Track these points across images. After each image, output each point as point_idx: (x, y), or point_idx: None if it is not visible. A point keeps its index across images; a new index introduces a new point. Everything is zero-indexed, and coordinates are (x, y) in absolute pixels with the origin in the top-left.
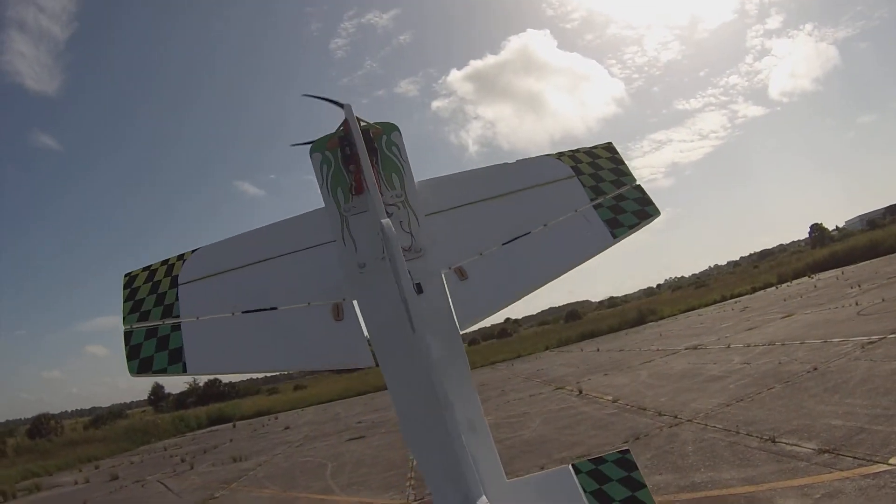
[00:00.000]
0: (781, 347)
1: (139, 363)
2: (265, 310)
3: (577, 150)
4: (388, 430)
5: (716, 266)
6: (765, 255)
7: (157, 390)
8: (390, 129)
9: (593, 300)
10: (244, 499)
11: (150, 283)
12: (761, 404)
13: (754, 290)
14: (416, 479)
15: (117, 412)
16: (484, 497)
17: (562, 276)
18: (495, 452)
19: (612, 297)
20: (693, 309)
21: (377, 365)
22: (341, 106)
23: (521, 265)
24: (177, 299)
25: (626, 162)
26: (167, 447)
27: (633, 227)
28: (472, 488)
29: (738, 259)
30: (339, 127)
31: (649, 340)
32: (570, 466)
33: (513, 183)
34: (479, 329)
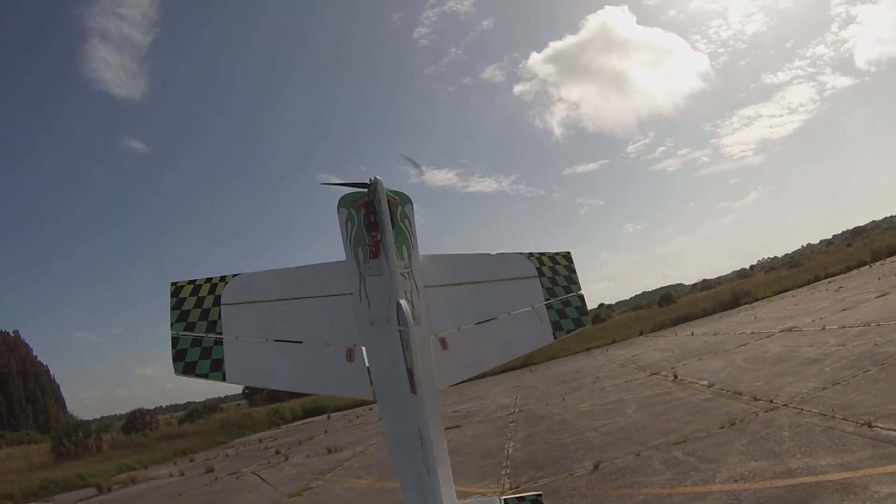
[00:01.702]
0: (877, 328)
1: (184, 365)
2: (292, 342)
3: (543, 255)
4: (483, 419)
5: (808, 245)
6: (858, 232)
7: None
8: (405, 200)
9: (686, 283)
10: (339, 489)
11: (196, 298)
12: (857, 388)
13: (848, 269)
14: (512, 468)
15: (212, 406)
16: None
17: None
18: (450, 475)
19: (705, 280)
20: (787, 290)
21: (375, 401)
22: (366, 187)
23: (486, 345)
24: (220, 318)
25: (576, 272)
26: (262, 439)
27: (570, 332)
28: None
29: (830, 237)
30: (367, 190)
31: (744, 323)
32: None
33: (493, 272)
34: None
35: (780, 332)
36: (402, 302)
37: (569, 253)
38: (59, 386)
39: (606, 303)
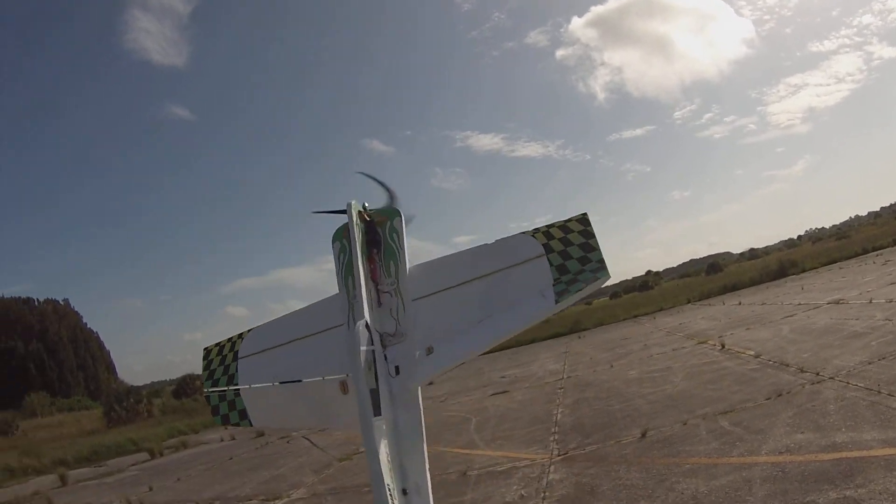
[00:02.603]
0: None
1: (221, 418)
2: (293, 381)
3: (552, 226)
4: (532, 384)
5: (856, 216)
6: None
7: None
8: (393, 215)
9: (734, 252)
10: None
11: (220, 357)
12: None
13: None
14: (560, 434)
15: None
16: None
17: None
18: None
19: (752, 249)
20: (834, 262)
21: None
22: (343, 212)
23: (477, 336)
24: (237, 371)
25: (594, 236)
26: None
27: (578, 293)
28: None
29: (878, 209)
30: (348, 224)
31: (791, 294)
32: None
33: (490, 264)
34: (621, 282)
35: (827, 304)
36: (360, 324)
37: (584, 215)
38: (109, 352)
39: (654, 269)
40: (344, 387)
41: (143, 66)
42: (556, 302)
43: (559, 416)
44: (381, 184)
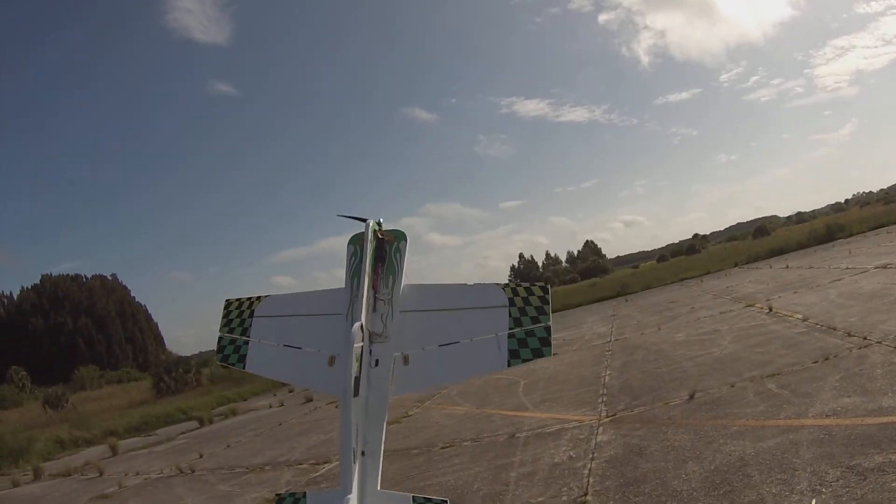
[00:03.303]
0: None
1: (222, 356)
2: (294, 347)
3: (519, 285)
4: (580, 347)
5: None
6: None
7: None
8: (400, 237)
9: (781, 215)
10: (437, 415)
11: (239, 311)
12: None
13: None
14: (608, 396)
15: None
16: (352, 497)
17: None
18: (378, 471)
19: (799, 213)
20: (882, 226)
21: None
22: (363, 220)
23: (443, 366)
24: (251, 326)
25: (549, 303)
26: None
27: (525, 361)
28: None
29: None
30: (365, 235)
31: (838, 258)
32: (412, 497)
33: (464, 301)
34: (668, 245)
35: (875, 268)
36: (357, 325)
37: (546, 285)
38: (157, 325)
39: (701, 233)
40: (332, 360)
41: (187, 45)
42: (508, 364)
43: (607, 378)
44: (357, 219)
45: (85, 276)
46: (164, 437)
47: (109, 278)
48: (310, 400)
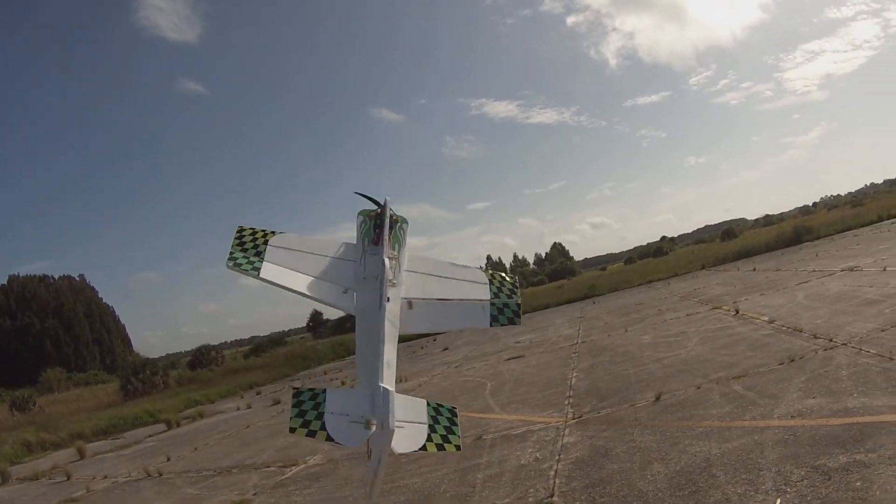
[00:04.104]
0: None
1: (234, 263)
2: (308, 274)
3: (496, 273)
4: (546, 349)
5: (872, 184)
6: None
7: (316, 317)
8: (403, 221)
9: (749, 218)
10: None
11: (252, 236)
12: None
13: None
14: (574, 398)
15: (276, 340)
16: (384, 385)
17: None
18: (393, 379)
19: (767, 215)
20: (849, 229)
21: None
22: (380, 205)
23: (440, 315)
24: (265, 250)
25: (518, 289)
26: (327, 371)
27: (503, 325)
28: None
29: (894, 178)
30: (377, 210)
31: (805, 260)
32: (426, 401)
33: (457, 273)
34: (635, 248)
35: (842, 271)
36: (386, 260)
37: (516, 278)
38: (124, 326)
39: (668, 235)
40: (346, 290)
41: (157, 43)
42: (490, 325)
43: (574, 380)
44: (372, 199)
45: (52, 276)
46: (131, 440)
47: (77, 279)
48: (277, 402)
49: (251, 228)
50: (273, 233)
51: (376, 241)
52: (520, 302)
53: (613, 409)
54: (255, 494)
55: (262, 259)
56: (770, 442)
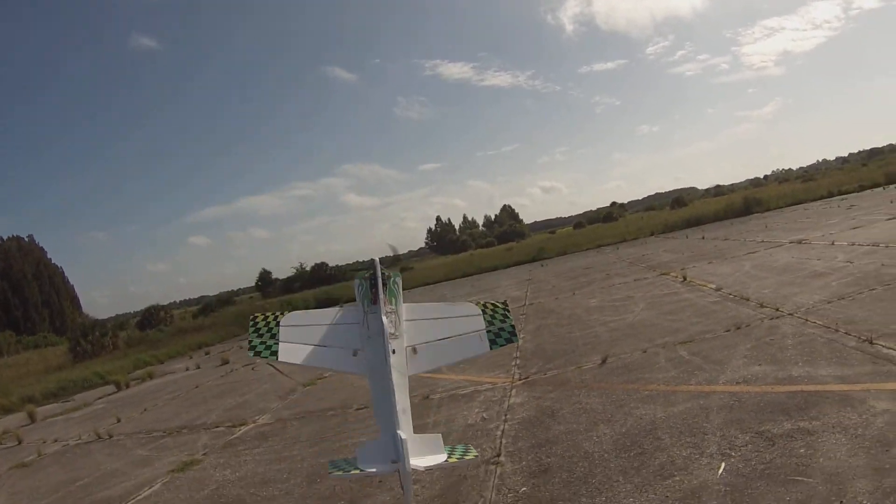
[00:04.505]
0: (885, 250)
1: (254, 352)
2: (320, 345)
3: (487, 303)
4: None
5: (824, 161)
6: (874, 153)
7: (265, 276)
8: (396, 275)
9: (700, 187)
10: (352, 379)
11: (265, 320)
12: (861, 305)
13: (862, 188)
14: (521, 359)
15: (226, 299)
16: (400, 432)
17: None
18: (411, 423)
19: (718, 186)
20: (799, 203)
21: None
22: (373, 261)
23: (442, 353)
24: (278, 331)
25: (510, 313)
26: None
27: (501, 346)
28: (397, 427)
29: (846, 155)
30: (371, 271)
31: (754, 231)
32: (440, 435)
33: (451, 312)
34: (585, 212)
35: (790, 243)
36: (384, 319)
37: (506, 301)
38: (73, 287)
39: (619, 201)
40: (355, 353)
41: None
42: (490, 348)
43: (521, 341)
44: (395, 253)
45: (1, 237)
46: (81, 403)
47: (26, 240)
48: (226, 362)
49: (262, 315)
50: (283, 313)
51: (374, 300)
52: (513, 324)
53: (560, 370)
54: (204, 454)
55: (278, 341)
56: (715, 407)
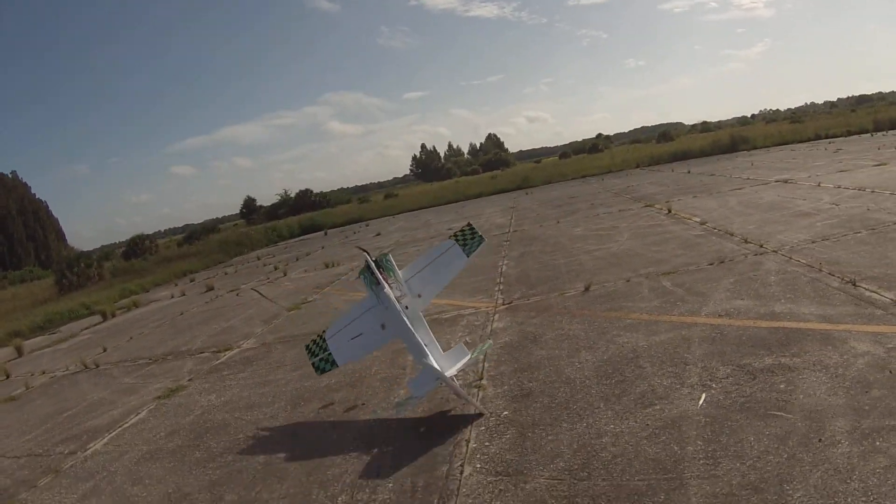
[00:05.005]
0: (871, 195)
1: (320, 371)
2: (358, 335)
3: (457, 232)
4: None
5: (812, 104)
6: (863, 100)
7: (250, 203)
8: (384, 255)
9: (686, 123)
10: (337, 301)
11: (315, 342)
12: (846, 247)
13: (849, 133)
14: (504, 284)
15: (210, 227)
16: (429, 361)
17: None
18: (438, 346)
19: (705, 122)
20: (786, 143)
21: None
22: (365, 259)
23: (432, 279)
24: (327, 345)
25: (474, 229)
26: (260, 257)
27: (475, 249)
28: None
29: (835, 100)
30: (366, 265)
31: (740, 168)
32: (463, 343)
33: (434, 253)
34: (571, 143)
35: (776, 181)
36: (387, 288)
37: (469, 223)
38: (58, 220)
39: (605, 133)
40: (383, 326)
41: None
42: (468, 256)
43: (504, 267)
44: (365, 251)
45: None
46: (68, 334)
47: (10, 176)
48: (211, 289)
49: (312, 341)
50: (325, 331)
51: (377, 283)
52: (481, 234)
53: (543, 296)
54: (189, 380)
55: (330, 352)
56: (697, 338)
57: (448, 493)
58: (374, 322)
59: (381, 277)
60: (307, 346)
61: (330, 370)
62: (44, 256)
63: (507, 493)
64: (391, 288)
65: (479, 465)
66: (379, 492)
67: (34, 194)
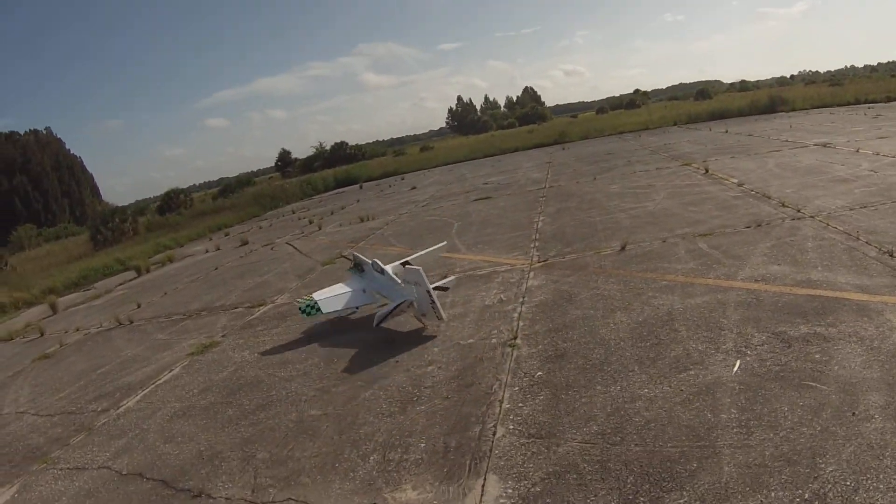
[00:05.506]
0: None
1: (306, 313)
2: (343, 298)
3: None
4: (514, 192)
5: (852, 67)
6: None
7: (284, 156)
8: (373, 262)
9: (724, 81)
10: (371, 255)
11: (307, 303)
12: (884, 215)
13: (888, 99)
14: (540, 241)
15: (245, 181)
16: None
17: None
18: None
19: (743, 81)
20: (825, 106)
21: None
22: (349, 258)
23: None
24: (317, 301)
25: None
26: (295, 210)
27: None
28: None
29: (875, 64)
30: (354, 263)
31: (779, 130)
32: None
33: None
34: (608, 98)
35: (815, 145)
36: (376, 261)
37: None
38: (92, 176)
39: (642, 89)
40: (364, 290)
41: None
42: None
43: (540, 223)
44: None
45: (19, 132)
46: (102, 290)
47: (44, 132)
48: (245, 243)
49: (302, 301)
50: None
51: (359, 269)
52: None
53: (579, 255)
54: (223, 336)
55: (316, 301)
56: (733, 302)
57: (480, 454)
58: (356, 286)
59: (365, 268)
60: (300, 309)
61: (314, 315)
62: (79, 212)
63: (540, 455)
64: (388, 268)
65: (511, 427)
66: (411, 451)
67: (69, 150)
